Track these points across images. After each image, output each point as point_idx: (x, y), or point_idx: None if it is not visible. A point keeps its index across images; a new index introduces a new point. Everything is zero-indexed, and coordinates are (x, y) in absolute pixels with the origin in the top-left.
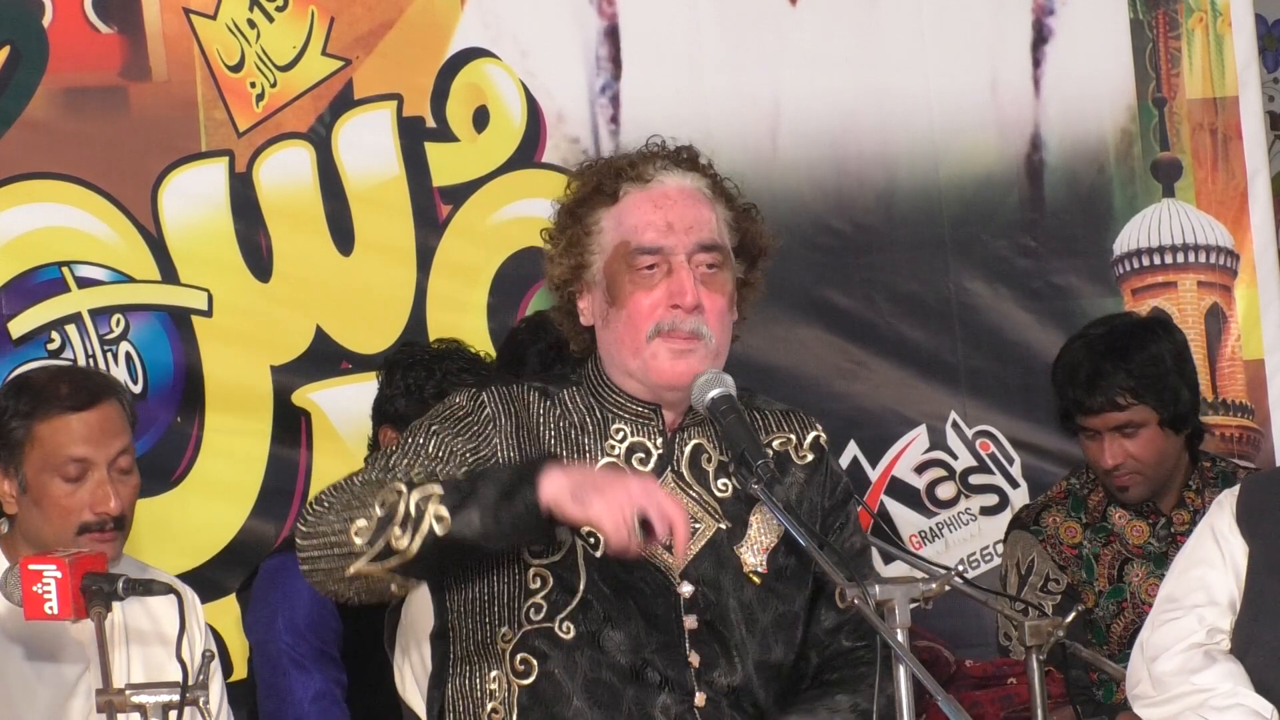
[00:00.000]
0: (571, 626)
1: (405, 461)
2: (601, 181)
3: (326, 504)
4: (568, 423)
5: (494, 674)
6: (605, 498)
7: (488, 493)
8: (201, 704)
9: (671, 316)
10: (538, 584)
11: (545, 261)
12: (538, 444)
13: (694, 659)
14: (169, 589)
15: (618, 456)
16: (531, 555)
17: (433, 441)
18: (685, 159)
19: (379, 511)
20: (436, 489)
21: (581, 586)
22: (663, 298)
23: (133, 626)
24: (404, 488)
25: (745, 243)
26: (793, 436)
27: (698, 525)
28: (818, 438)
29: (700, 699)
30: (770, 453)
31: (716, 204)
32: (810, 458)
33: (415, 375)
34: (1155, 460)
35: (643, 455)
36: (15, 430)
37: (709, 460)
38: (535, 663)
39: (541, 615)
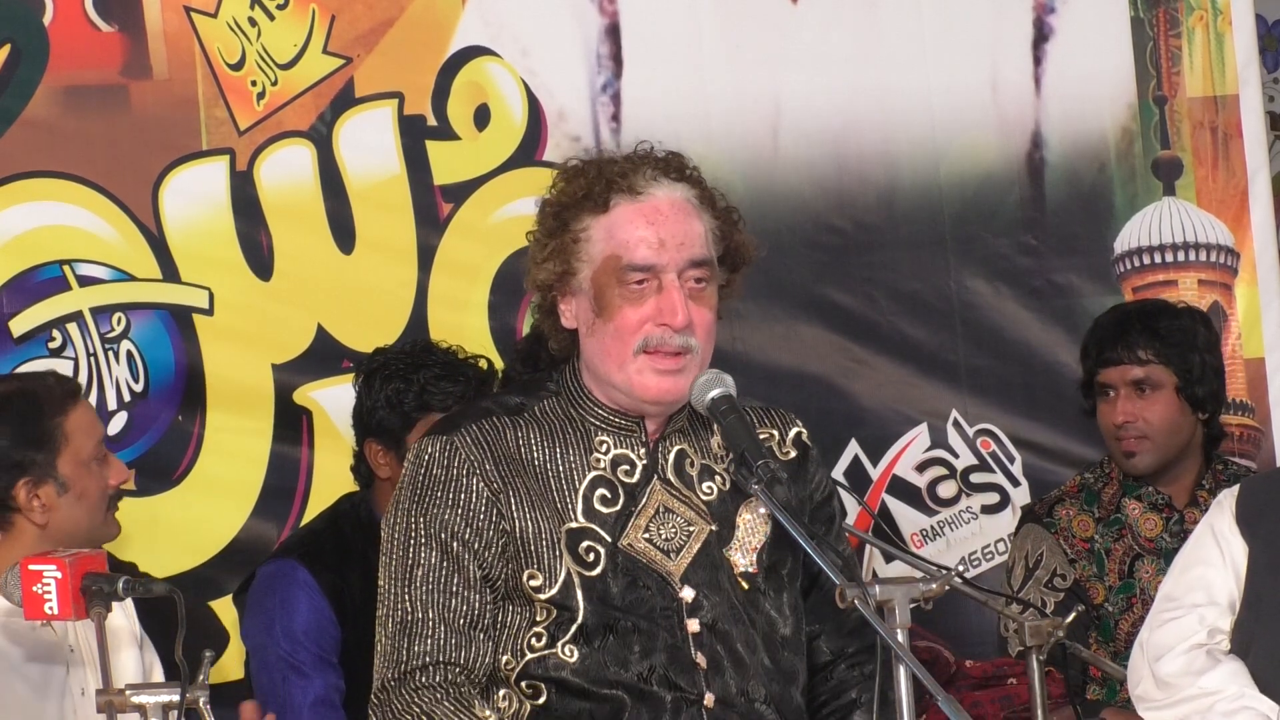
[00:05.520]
0: (574, 649)
1: (434, 644)
2: (591, 189)
3: None
4: (550, 441)
5: (503, 692)
6: None
7: None
8: (201, 704)
9: (660, 333)
10: (543, 615)
11: (528, 261)
12: (522, 472)
13: (701, 661)
14: (169, 590)
15: (604, 469)
16: (533, 590)
17: (441, 588)
18: (674, 168)
19: None
20: None
21: (581, 614)
22: (651, 313)
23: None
24: None
25: (729, 251)
26: (775, 432)
27: (692, 529)
28: (800, 434)
29: (709, 700)
30: (759, 440)
31: (703, 214)
32: (794, 454)
33: (394, 386)
34: (1165, 428)
35: (628, 467)
36: (50, 435)
37: (692, 465)
38: (542, 685)
39: (543, 643)
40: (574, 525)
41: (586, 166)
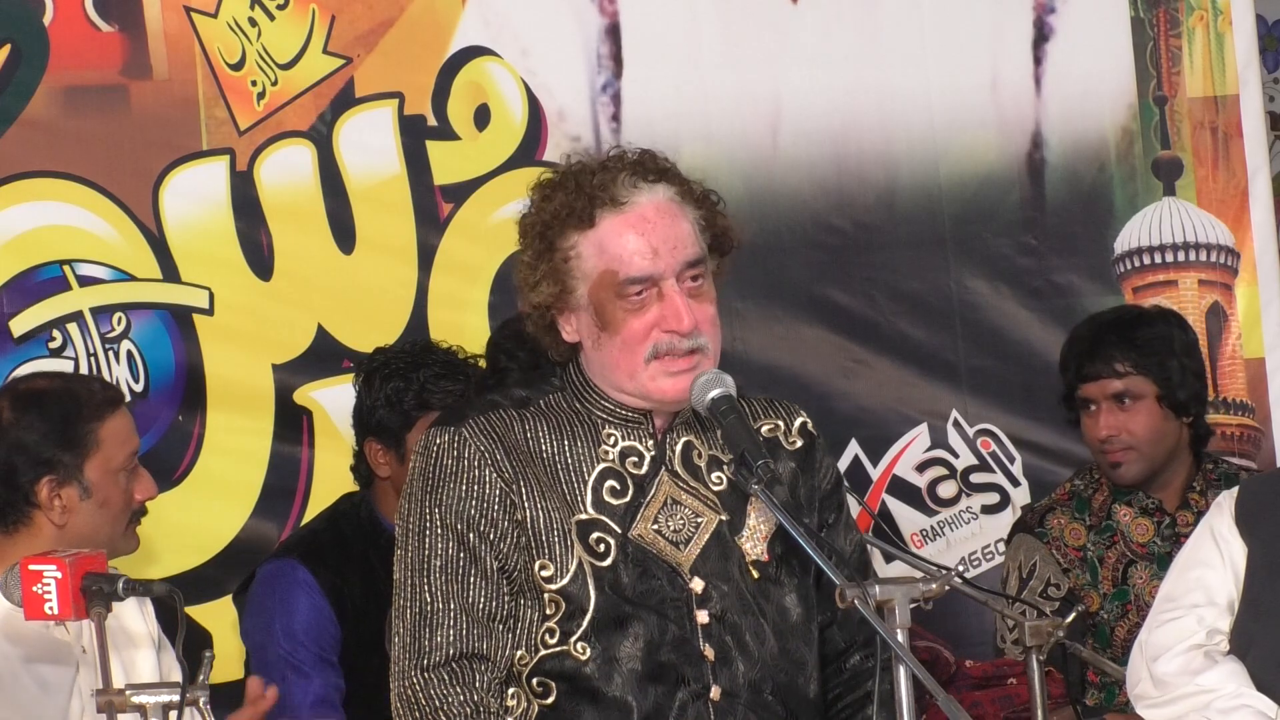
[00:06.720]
0: (586, 647)
1: (455, 636)
2: (573, 205)
3: None
4: (557, 434)
5: (512, 690)
6: None
7: None
8: (201, 704)
9: (669, 339)
10: (552, 609)
11: (519, 283)
12: (531, 463)
13: (709, 653)
14: (169, 590)
15: (612, 461)
16: (544, 580)
17: (459, 579)
18: (650, 169)
19: None
20: None
21: (592, 605)
22: (655, 320)
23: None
24: None
25: (716, 239)
26: (780, 423)
27: (700, 520)
28: (805, 424)
29: (716, 693)
30: (760, 439)
31: (687, 209)
32: (800, 443)
33: (394, 386)
34: (1150, 438)
35: (636, 459)
36: (82, 438)
37: (700, 456)
38: (552, 684)
39: (556, 639)
40: (583, 517)
41: (563, 180)
